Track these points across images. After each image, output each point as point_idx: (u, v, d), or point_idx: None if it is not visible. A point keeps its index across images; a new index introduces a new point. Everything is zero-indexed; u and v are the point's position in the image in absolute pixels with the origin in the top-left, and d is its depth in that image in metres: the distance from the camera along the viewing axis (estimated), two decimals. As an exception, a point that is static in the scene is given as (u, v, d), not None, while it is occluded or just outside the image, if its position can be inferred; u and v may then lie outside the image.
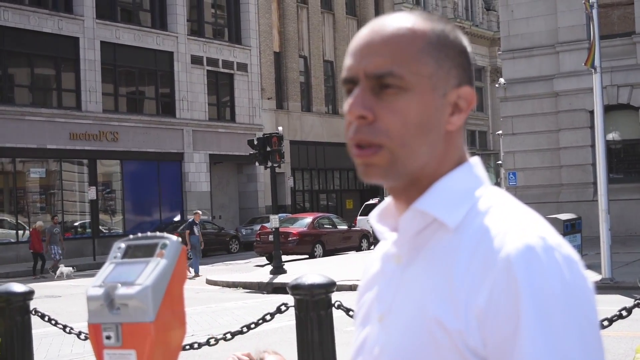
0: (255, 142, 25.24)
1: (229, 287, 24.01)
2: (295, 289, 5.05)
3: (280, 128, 29.73)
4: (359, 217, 38.94)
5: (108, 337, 2.34)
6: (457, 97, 1.53)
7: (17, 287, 5.36)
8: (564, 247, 1.41)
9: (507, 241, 1.40)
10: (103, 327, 2.34)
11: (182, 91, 42.48)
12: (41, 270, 30.95)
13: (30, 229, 31.21)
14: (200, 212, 31.30)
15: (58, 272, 29.01)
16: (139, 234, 2.54)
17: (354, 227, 36.64)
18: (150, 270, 2.37)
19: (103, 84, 38.80)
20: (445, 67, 1.52)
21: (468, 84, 1.54)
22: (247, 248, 38.97)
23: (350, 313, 5.32)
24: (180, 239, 2.50)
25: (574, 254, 1.42)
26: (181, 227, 33.23)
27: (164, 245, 2.45)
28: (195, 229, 28.89)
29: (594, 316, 1.39)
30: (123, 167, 40.16)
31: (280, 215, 35.38)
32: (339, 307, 5.21)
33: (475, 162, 1.59)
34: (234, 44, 45.98)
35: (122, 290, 2.31)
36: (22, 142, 34.98)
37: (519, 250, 1.38)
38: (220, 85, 45.31)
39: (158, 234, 2.49)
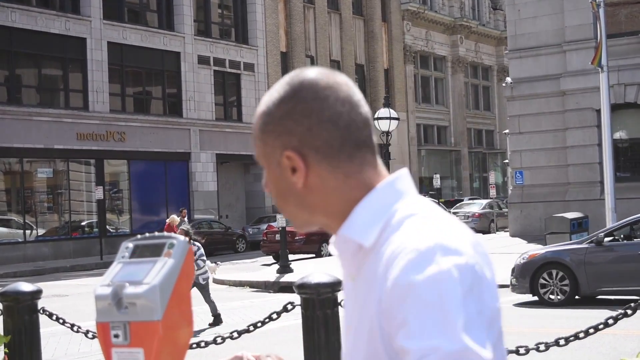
0: (262, 142, 25.30)
1: (236, 286, 24.05)
2: (302, 287, 5.07)
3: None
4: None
5: (116, 336, 2.37)
6: (287, 160, 1.75)
7: (25, 286, 5.40)
8: (456, 253, 1.58)
9: (408, 248, 1.60)
10: (111, 325, 2.37)
11: (189, 91, 42.53)
12: None
13: (165, 224, 30.26)
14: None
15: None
16: (147, 234, 2.57)
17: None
18: (157, 270, 2.40)
19: (110, 84, 38.87)
20: (270, 142, 1.78)
21: (290, 147, 1.75)
22: (254, 247, 39.00)
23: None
24: (187, 238, 2.53)
25: (467, 259, 1.59)
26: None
27: (172, 245, 2.49)
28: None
29: (482, 314, 1.56)
30: (130, 167, 40.23)
31: (286, 214, 35.41)
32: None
33: (395, 177, 1.78)
34: (240, 44, 46.02)
35: (130, 290, 2.34)
36: (29, 142, 35.06)
37: (410, 255, 1.58)
38: (227, 85, 45.35)
39: (165, 233, 2.52)
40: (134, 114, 40.07)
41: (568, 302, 15.67)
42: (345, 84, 1.79)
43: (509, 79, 31.20)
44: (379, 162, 1.83)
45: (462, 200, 51.32)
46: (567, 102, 29.70)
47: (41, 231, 36.61)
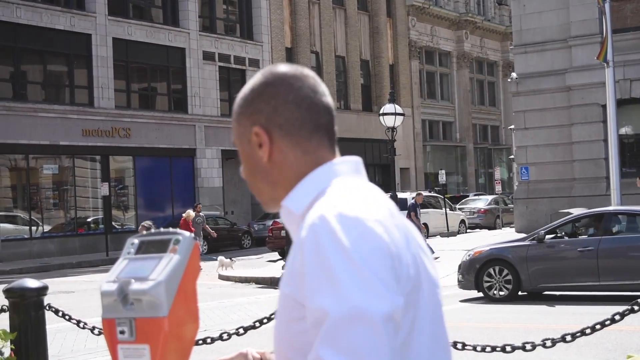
0: (267, 138, 25.33)
1: (242, 282, 24.05)
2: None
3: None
4: (371, 212, 38.87)
5: (122, 332, 2.37)
6: (255, 137, 2.01)
7: (31, 282, 5.40)
8: (353, 215, 1.77)
9: (310, 215, 1.83)
10: (117, 322, 2.37)
11: (194, 87, 42.55)
12: None
13: (181, 219, 30.13)
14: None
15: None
16: (152, 230, 2.57)
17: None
18: (163, 266, 2.39)
19: (115, 81, 38.90)
20: (243, 122, 2.06)
21: (258, 124, 2.01)
22: (259, 243, 39.02)
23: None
24: (193, 234, 2.53)
25: (365, 220, 1.77)
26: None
27: (177, 241, 2.48)
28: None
29: (373, 272, 1.71)
30: (135, 163, 40.26)
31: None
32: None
33: (342, 160, 2.01)
34: (245, 40, 46.02)
35: (135, 286, 2.34)
36: (35, 138, 35.10)
37: (312, 220, 1.79)
38: (232, 81, 45.33)
39: (171, 229, 2.52)
40: (139, 110, 40.10)
41: (511, 298, 16.19)
42: (312, 77, 2.04)
43: (514, 75, 31.16)
44: (336, 149, 2.05)
45: (468, 196, 51.29)
46: (572, 98, 29.66)
47: (47, 227, 36.66)
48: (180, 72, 42.36)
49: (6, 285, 5.57)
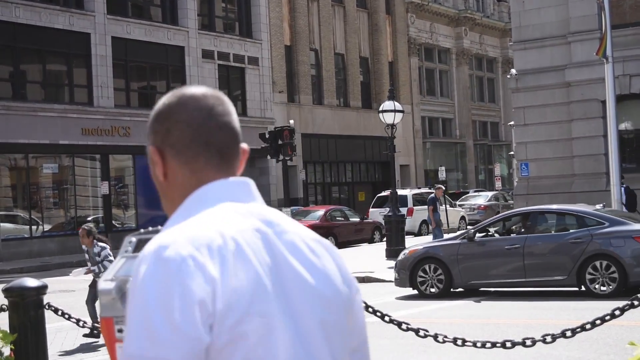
0: (267, 136, 25.33)
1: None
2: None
3: (291, 121, 29.76)
4: (371, 209, 38.96)
5: (120, 330, 2.37)
6: (152, 156, 2.05)
7: (31, 281, 5.39)
8: (167, 255, 1.80)
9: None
10: (115, 320, 2.37)
11: (192, 84, 42.45)
12: None
13: None
14: None
15: None
16: (150, 228, 2.57)
17: (366, 219, 36.63)
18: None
19: (115, 79, 38.87)
20: (148, 142, 2.07)
21: (154, 144, 2.04)
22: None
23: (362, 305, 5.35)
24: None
25: (176, 258, 1.79)
26: None
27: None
28: None
29: (156, 317, 1.76)
30: (135, 161, 40.23)
31: (292, 208, 35.41)
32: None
33: (219, 184, 2.00)
34: (244, 37, 45.98)
35: (133, 284, 2.33)
36: (34, 137, 35.06)
37: (142, 251, 1.85)
38: (232, 79, 45.32)
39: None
40: (138, 108, 40.07)
41: (443, 295, 16.85)
42: (214, 97, 2.06)
43: (513, 71, 31.13)
44: (234, 168, 2.05)
45: (468, 193, 51.29)
46: (572, 94, 29.63)
47: (47, 227, 36.64)
48: (179, 70, 42.34)
49: (5, 284, 5.56)
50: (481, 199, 46.58)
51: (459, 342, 5.41)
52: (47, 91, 37.22)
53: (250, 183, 2.04)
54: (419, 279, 17.19)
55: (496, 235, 17.31)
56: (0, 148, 34.23)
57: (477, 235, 17.16)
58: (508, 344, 5.41)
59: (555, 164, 30.08)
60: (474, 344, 5.45)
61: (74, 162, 37.86)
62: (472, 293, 17.19)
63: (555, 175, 30.07)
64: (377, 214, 36.89)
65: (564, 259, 15.86)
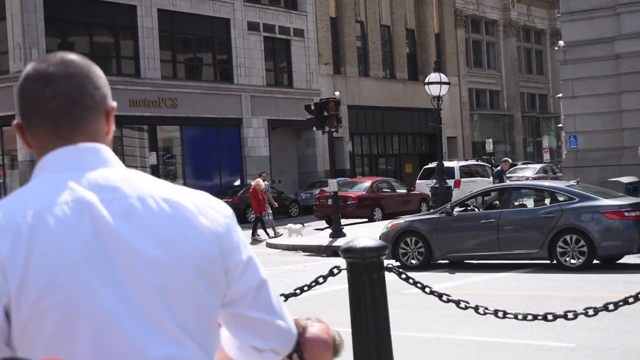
0: (313, 107, 25.28)
1: (289, 250, 24.20)
2: (347, 252, 5.09)
3: (337, 93, 29.67)
4: (417, 181, 38.79)
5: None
6: (13, 131, 2.09)
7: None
8: None
9: None
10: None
11: (239, 57, 42.61)
12: (253, 233, 28.46)
13: (250, 188, 29.88)
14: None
15: (278, 233, 28.12)
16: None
17: (412, 190, 36.51)
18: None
19: (161, 51, 39.10)
20: None
21: (17, 119, 2.06)
22: (306, 212, 39.15)
23: (403, 276, 5.37)
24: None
25: None
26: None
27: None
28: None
29: None
30: (183, 132, 40.52)
31: (339, 179, 35.44)
32: (392, 269, 5.25)
33: (52, 154, 1.98)
34: (290, 10, 45.93)
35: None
36: (83, 109, 35.35)
37: None
38: (277, 51, 45.34)
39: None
40: (185, 80, 40.29)
41: (423, 266, 17.46)
42: (59, 64, 2.01)
43: (561, 43, 30.76)
44: (75, 133, 1.98)
45: (516, 165, 50.95)
46: (621, 66, 29.22)
47: (96, 197, 37.05)
48: (225, 42, 42.43)
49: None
50: (529, 171, 46.16)
51: (500, 314, 5.41)
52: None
53: (98, 148, 1.99)
54: (401, 251, 17.84)
55: (476, 210, 17.87)
56: (49, 119, 34.62)
57: (457, 209, 17.71)
58: (550, 317, 5.40)
59: (604, 136, 29.75)
60: (515, 316, 5.45)
61: (122, 133, 38.21)
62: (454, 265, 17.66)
63: (604, 148, 29.74)
64: (423, 186, 36.77)
65: (536, 233, 16.36)
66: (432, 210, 19.08)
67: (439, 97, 28.55)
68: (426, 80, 29.31)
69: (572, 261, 15.98)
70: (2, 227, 1.84)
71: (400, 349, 9.66)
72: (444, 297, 5.33)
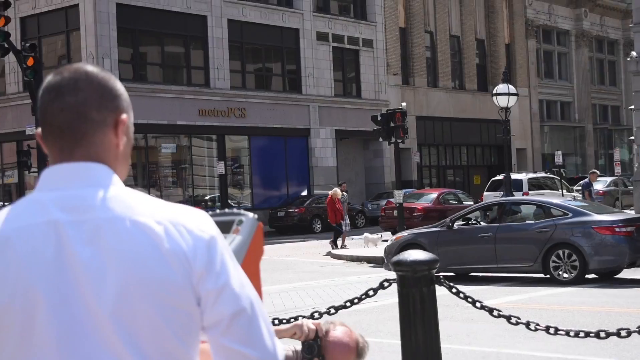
0: (379, 118, 25.32)
1: (353, 261, 24.16)
2: (398, 265, 5.08)
3: (403, 104, 29.67)
4: (485, 193, 38.46)
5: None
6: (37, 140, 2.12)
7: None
8: None
9: None
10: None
11: (308, 67, 42.78)
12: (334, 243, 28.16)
13: (327, 198, 30.03)
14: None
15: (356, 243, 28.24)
16: (217, 210, 2.61)
17: (479, 202, 36.22)
18: (226, 246, 2.43)
19: (230, 61, 39.45)
20: None
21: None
22: (373, 223, 39.07)
23: (453, 290, 5.33)
24: (256, 215, 2.55)
25: None
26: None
27: (240, 222, 2.52)
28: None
29: None
30: (251, 142, 40.80)
31: (405, 190, 35.32)
32: (442, 283, 5.22)
33: (48, 169, 2.03)
34: (359, 20, 45.96)
35: (198, 266, 2.37)
36: (153, 118, 35.90)
37: None
38: (346, 62, 45.41)
39: (235, 210, 2.56)
40: (254, 90, 40.58)
41: None
42: (71, 77, 2.02)
43: (634, 53, 30.24)
44: (75, 148, 2.00)
45: (586, 177, 50.18)
46: (695, 77, 28.62)
47: (165, 205, 37.42)
48: (294, 52, 42.63)
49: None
50: (600, 184, 45.42)
51: (551, 330, 5.34)
52: (166, 73, 38.02)
53: (91, 167, 2.01)
54: None
55: (481, 223, 18.54)
56: (120, 128, 35.11)
57: (458, 223, 18.21)
58: (602, 334, 5.31)
59: (677, 149, 29.17)
60: (567, 333, 5.37)
61: (191, 143, 38.65)
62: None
63: (677, 161, 29.16)
64: (491, 198, 36.43)
65: (531, 247, 16.80)
66: (435, 224, 19.48)
67: (507, 109, 28.31)
68: (494, 91, 29.09)
69: (565, 275, 16.41)
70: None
71: (458, 363, 9.61)
72: (495, 312, 5.29)
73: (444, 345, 10.30)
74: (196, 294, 1.95)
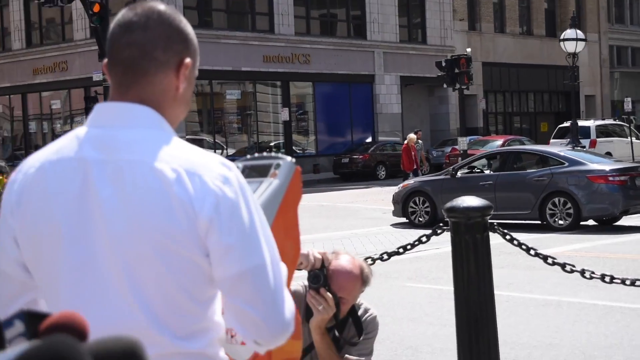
0: (443, 64, 25.07)
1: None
2: (450, 211, 5.02)
3: (468, 50, 29.25)
4: (552, 140, 37.97)
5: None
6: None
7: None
8: None
9: None
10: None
11: (373, 13, 42.37)
12: None
13: (403, 145, 29.99)
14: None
15: None
16: (255, 154, 2.59)
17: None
18: (261, 191, 2.41)
19: (295, 7, 39.25)
20: None
21: None
22: (437, 169, 38.80)
23: (507, 237, 5.26)
24: (294, 159, 2.51)
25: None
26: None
27: (278, 166, 2.49)
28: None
29: None
30: (315, 88, 40.71)
31: (470, 137, 35.03)
32: (496, 230, 5.15)
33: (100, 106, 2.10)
34: (425, -36, 45.32)
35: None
36: (218, 64, 35.96)
37: None
38: (412, 7, 44.87)
39: (273, 154, 2.53)
40: (318, 36, 40.38)
41: (430, 224, 17.32)
42: (140, 13, 2.05)
43: None
44: (132, 85, 2.04)
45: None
46: None
47: (231, 151, 37.66)
48: (359, -3, 42.27)
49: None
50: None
51: (607, 278, 5.26)
52: (230, 19, 38.00)
53: (135, 108, 2.03)
54: (410, 210, 18.88)
55: (485, 172, 19.08)
56: (185, 74, 35.26)
57: (462, 172, 18.78)
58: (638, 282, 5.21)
59: None
60: (622, 281, 5.29)
61: (256, 89, 38.70)
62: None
63: None
64: (557, 145, 35.93)
65: (528, 195, 17.36)
66: (440, 172, 20.21)
67: (574, 54, 27.79)
68: (562, 37, 28.56)
69: (560, 222, 16.91)
70: (17, 174, 2.07)
71: (519, 311, 9.55)
72: (549, 260, 5.21)
73: (505, 293, 10.30)
74: (203, 245, 1.95)
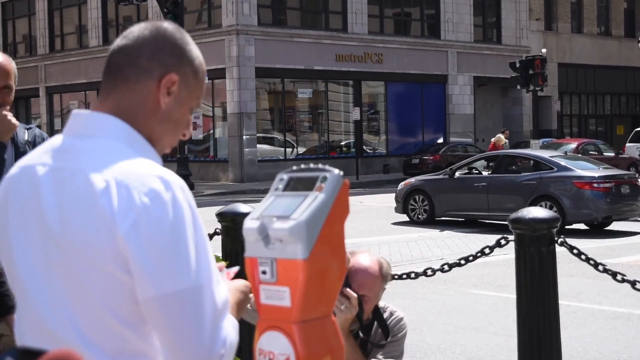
0: (517, 65, 24.72)
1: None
2: (515, 222, 4.84)
3: (543, 50, 28.83)
4: (627, 144, 37.23)
5: (264, 272, 2.30)
6: None
7: (243, 207, 5.50)
8: None
9: None
10: (259, 261, 2.30)
11: (447, 12, 42.00)
12: None
13: (490, 144, 30.24)
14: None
15: None
16: (302, 166, 2.46)
17: (621, 154, 35.04)
18: (307, 205, 2.29)
19: (369, 6, 39.09)
20: None
21: None
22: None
23: (575, 251, 5.06)
24: (342, 172, 2.37)
25: None
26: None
27: (324, 179, 2.35)
28: None
29: None
30: (387, 88, 40.50)
31: (543, 140, 34.49)
32: (563, 244, 4.95)
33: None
34: (502, -37, 44.79)
35: (277, 225, 2.25)
36: (290, 63, 36.03)
37: None
38: (487, 6, 44.34)
39: (320, 166, 2.40)
40: (392, 35, 40.16)
41: (428, 222, 19.34)
42: (144, 24, 2.07)
43: None
44: (111, 90, 2.03)
45: None
46: None
47: (301, 150, 37.71)
48: (433, -3, 41.95)
49: (220, 208, 5.71)
50: None
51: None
52: (304, 17, 38.01)
53: (98, 118, 2.01)
54: (410, 207, 19.77)
55: (482, 173, 19.86)
56: (259, 72, 35.42)
57: (459, 172, 19.57)
58: None
59: None
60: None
61: (328, 88, 38.64)
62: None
63: None
64: (634, 149, 35.23)
65: (517, 198, 17.98)
66: (439, 172, 21.19)
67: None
68: (640, 38, 27.94)
69: None
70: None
71: (587, 322, 9.29)
72: (619, 277, 4.99)
73: (573, 304, 10.03)
74: (125, 261, 1.87)
